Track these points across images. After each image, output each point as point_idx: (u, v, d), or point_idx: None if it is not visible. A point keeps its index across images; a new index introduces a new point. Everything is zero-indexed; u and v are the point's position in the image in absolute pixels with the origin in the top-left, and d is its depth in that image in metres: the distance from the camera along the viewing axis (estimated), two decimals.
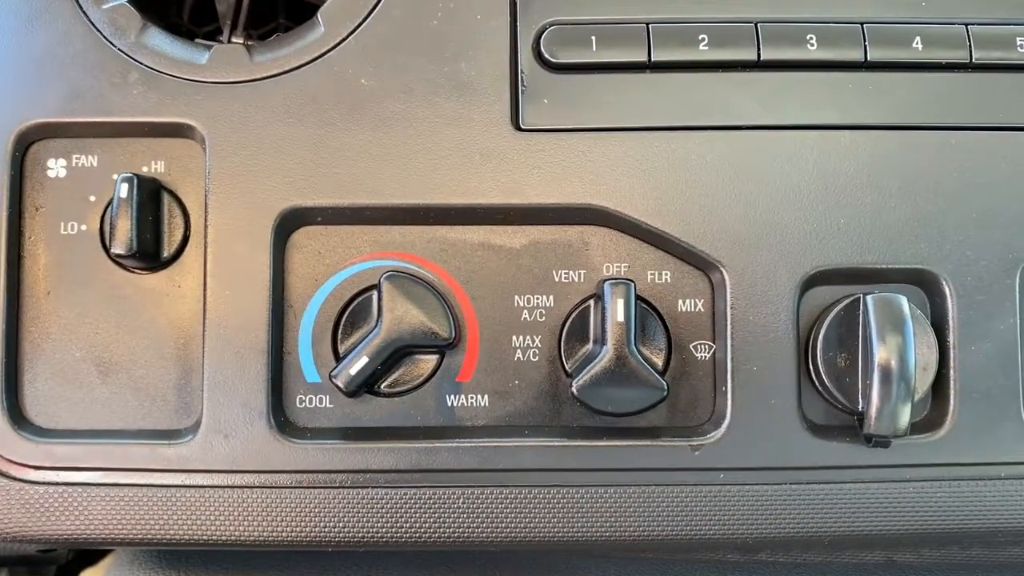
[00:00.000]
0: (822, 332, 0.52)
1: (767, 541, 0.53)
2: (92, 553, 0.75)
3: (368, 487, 0.51)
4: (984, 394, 0.52)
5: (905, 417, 0.48)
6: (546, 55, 0.53)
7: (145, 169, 0.53)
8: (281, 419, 0.52)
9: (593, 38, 0.52)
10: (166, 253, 0.52)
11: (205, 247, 0.51)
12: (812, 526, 0.52)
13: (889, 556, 0.62)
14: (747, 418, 0.51)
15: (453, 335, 0.52)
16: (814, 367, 0.52)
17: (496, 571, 0.61)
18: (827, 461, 0.52)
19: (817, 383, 0.52)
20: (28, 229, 0.52)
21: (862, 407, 0.50)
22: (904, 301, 0.49)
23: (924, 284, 0.53)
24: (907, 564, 0.62)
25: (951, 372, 0.52)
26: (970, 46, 0.53)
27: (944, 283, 0.52)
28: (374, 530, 0.51)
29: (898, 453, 0.52)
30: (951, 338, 0.52)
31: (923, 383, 0.51)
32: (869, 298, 0.50)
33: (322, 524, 0.51)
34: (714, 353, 0.53)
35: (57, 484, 0.51)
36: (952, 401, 0.52)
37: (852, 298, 0.51)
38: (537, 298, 0.53)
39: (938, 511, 0.52)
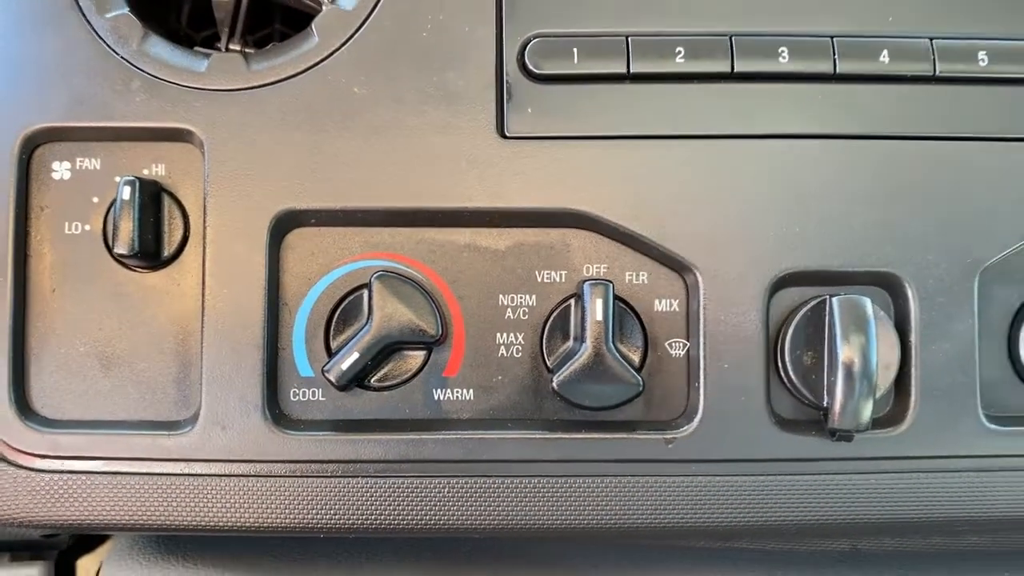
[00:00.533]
0: (790, 332, 0.53)
1: (737, 529, 0.54)
2: (92, 539, 0.76)
3: (358, 476, 0.53)
4: (944, 391, 0.53)
5: (867, 413, 0.50)
6: (530, 66, 0.54)
7: (146, 172, 0.54)
8: (276, 411, 0.53)
9: (575, 50, 0.53)
10: (166, 252, 0.54)
11: (204, 247, 0.53)
12: (779, 515, 0.54)
13: (853, 544, 0.63)
14: (718, 412, 0.53)
15: (440, 332, 0.53)
16: (782, 365, 0.53)
17: (480, 557, 0.62)
18: (794, 454, 0.53)
19: (785, 380, 0.54)
20: (34, 229, 0.54)
21: (827, 403, 0.51)
22: (868, 303, 0.51)
23: (888, 286, 0.55)
24: (870, 552, 0.63)
25: (912, 370, 0.53)
26: (934, 59, 0.54)
27: (907, 285, 0.53)
28: (363, 517, 0.53)
29: (861, 447, 0.53)
30: (913, 338, 0.53)
31: (885, 380, 0.53)
32: (834, 300, 0.51)
33: (314, 511, 0.53)
34: (688, 351, 0.55)
35: (62, 472, 0.53)
36: (913, 398, 0.53)
37: (819, 299, 0.53)
38: (520, 297, 0.55)
39: (899, 502, 0.54)
